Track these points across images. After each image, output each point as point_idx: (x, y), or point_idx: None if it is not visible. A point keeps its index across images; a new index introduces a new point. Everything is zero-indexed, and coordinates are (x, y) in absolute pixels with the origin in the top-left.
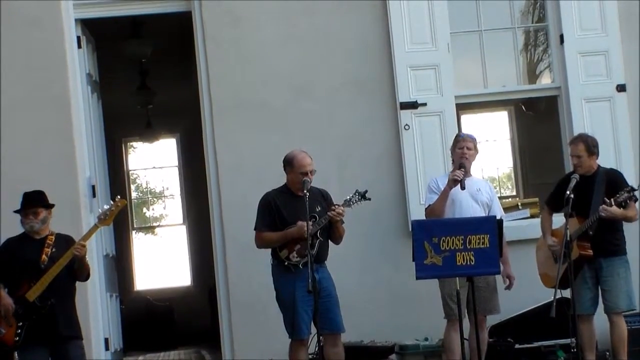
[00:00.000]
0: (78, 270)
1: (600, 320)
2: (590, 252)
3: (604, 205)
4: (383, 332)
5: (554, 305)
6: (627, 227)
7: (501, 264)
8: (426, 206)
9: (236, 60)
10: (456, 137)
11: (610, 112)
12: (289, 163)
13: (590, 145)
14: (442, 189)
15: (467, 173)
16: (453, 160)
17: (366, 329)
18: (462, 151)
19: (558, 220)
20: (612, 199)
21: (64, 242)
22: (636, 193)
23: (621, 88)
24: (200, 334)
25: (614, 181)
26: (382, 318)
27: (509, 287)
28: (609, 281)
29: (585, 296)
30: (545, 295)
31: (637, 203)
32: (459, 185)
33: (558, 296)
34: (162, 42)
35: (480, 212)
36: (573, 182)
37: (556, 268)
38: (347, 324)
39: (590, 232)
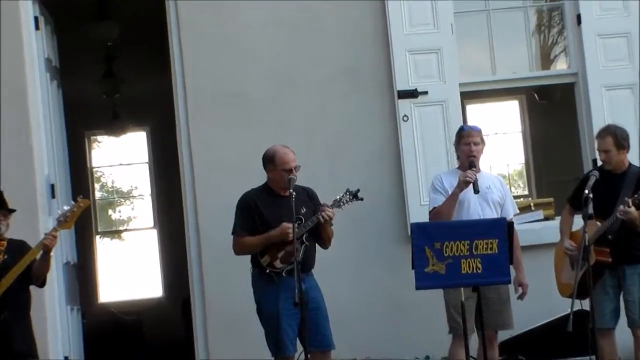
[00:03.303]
0: (37, 270)
1: (623, 334)
2: (609, 258)
3: (622, 206)
4: (379, 349)
5: (571, 318)
6: None
7: (513, 270)
8: (430, 208)
9: (214, 45)
10: (459, 131)
11: (633, 101)
12: (270, 160)
13: (619, 138)
14: (448, 188)
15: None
16: (458, 157)
17: (360, 345)
18: (469, 147)
19: (579, 221)
20: (630, 199)
21: (18, 247)
22: None
23: None
24: (173, 351)
25: None
26: (378, 333)
27: (521, 297)
28: (633, 291)
29: (605, 308)
30: (561, 307)
31: None
32: (470, 186)
33: (576, 308)
34: (131, 23)
35: (491, 214)
36: (592, 180)
37: (574, 276)
38: (338, 340)
39: (610, 237)
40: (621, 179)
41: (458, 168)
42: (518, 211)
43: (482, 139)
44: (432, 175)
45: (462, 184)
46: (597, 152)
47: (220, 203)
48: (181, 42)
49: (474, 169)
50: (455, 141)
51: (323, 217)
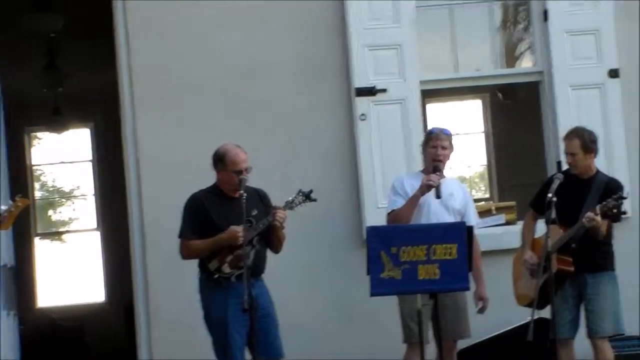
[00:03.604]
0: None
1: (583, 345)
2: (572, 267)
3: (590, 213)
4: (332, 358)
5: (532, 327)
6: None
7: (473, 282)
8: (389, 210)
9: (163, 38)
10: (429, 133)
11: (600, 101)
12: (220, 160)
13: (587, 141)
14: (409, 191)
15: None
16: (424, 159)
17: (312, 353)
18: (435, 151)
19: (542, 227)
20: (597, 207)
21: None
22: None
23: (614, 73)
24: (115, 359)
25: (613, 193)
26: (331, 341)
27: (481, 311)
28: (594, 300)
29: (564, 317)
30: (521, 315)
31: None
32: (432, 191)
33: (536, 316)
34: (76, 14)
35: (449, 221)
36: (556, 183)
37: (533, 285)
38: (289, 348)
39: (573, 245)
40: (587, 185)
41: (422, 171)
42: (479, 221)
43: (450, 144)
44: (389, 177)
45: (424, 188)
46: (563, 155)
47: (167, 204)
48: (128, 35)
49: (438, 173)
50: (423, 143)
51: (274, 219)
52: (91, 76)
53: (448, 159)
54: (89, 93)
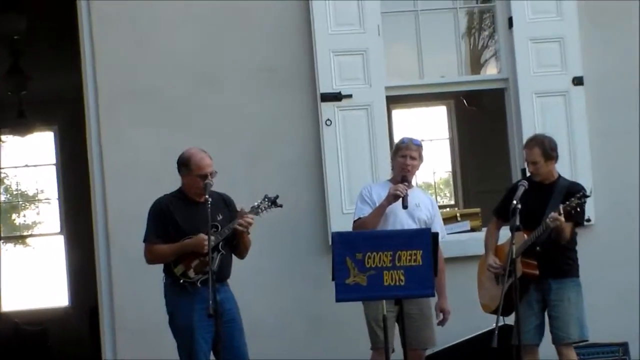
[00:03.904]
0: None
1: (548, 351)
2: (537, 271)
3: (554, 213)
4: None
5: (496, 334)
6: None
7: (436, 294)
8: (355, 218)
9: (128, 42)
10: (399, 143)
11: (565, 109)
12: (185, 164)
13: (547, 149)
14: (376, 200)
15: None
16: (393, 168)
17: (277, 359)
18: (404, 161)
19: (506, 233)
20: (560, 206)
21: None
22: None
23: (578, 81)
24: None
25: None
26: (296, 347)
27: (442, 323)
28: (559, 307)
29: (530, 323)
30: (486, 322)
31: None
32: (399, 201)
33: (501, 323)
34: (40, 17)
35: None
36: (521, 190)
37: (499, 292)
38: (254, 354)
39: (538, 248)
40: (550, 190)
41: (390, 180)
42: (445, 235)
43: (420, 155)
44: (355, 182)
45: (391, 198)
46: (519, 161)
47: (132, 208)
48: (93, 38)
49: (406, 184)
50: (393, 152)
51: (240, 224)
52: (55, 79)
53: (417, 169)
54: (53, 96)
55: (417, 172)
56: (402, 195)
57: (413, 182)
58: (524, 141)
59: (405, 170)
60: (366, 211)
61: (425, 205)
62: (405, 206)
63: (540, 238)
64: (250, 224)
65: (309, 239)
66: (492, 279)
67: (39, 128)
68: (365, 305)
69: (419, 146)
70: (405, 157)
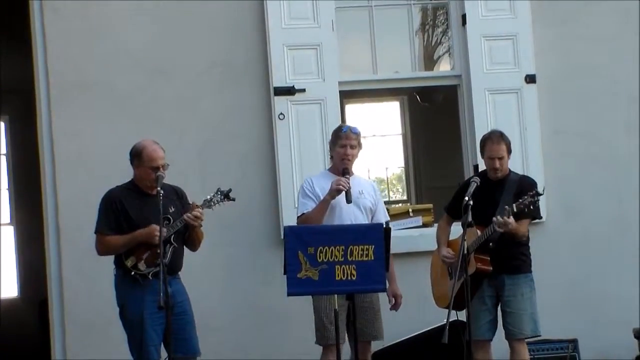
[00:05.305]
0: None
1: (499, 346)
2: (490, 267)
3: (501, 219)
4: (247, 357)
5: (447, 329)
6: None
7: (386, 280)
8: (299, 214)
9: (79, 33)
10: (337, 130)
11: (517, 106)
12: (137, 155)
13: (509, 144)
14: (319, 192)
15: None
16: (332, 157)
17: (228, 352)
18: (344, 150)
19: (458, 229)
20: (513, 205)
21: None
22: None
23: (531, 79)
24: (28, 356)
25: (527, 190)
26: (247, 340)
27: (395, 307)
28: (512, 302)
29: (482, 319)
30: (437, 317)
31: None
32: (342, 194)
33: (452, 318)
34: None
35: (363, 220)
36: (473, 187)
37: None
38: (205, 347)
39: (491, 244)
40: (501, 185)
41: (329, 169)
42: (389, 218)
43: (359, 143)
44: (304, 178)
45: (334, 192)
46: (485, 160)
47: (83, 199)
48: (44, 28)
49: (348, 176)
50: (331, 140)
51: (192, 217)
52: (6, 69)
53: (356, 157)
54: (3, 86)
55: (369, 166)
56: (345, 189)
57: (356, 171)
58: (477, 138)
59: (346, 161)
60: (310, 206)
61: (368, 191)
62: (349, 200)
63: (493, 235)
64: (200, 217)
65: (261, 233)
66: (445, 274)
67: None
68: (315, 299)
69: (357, 134)
70: (345, 146)
